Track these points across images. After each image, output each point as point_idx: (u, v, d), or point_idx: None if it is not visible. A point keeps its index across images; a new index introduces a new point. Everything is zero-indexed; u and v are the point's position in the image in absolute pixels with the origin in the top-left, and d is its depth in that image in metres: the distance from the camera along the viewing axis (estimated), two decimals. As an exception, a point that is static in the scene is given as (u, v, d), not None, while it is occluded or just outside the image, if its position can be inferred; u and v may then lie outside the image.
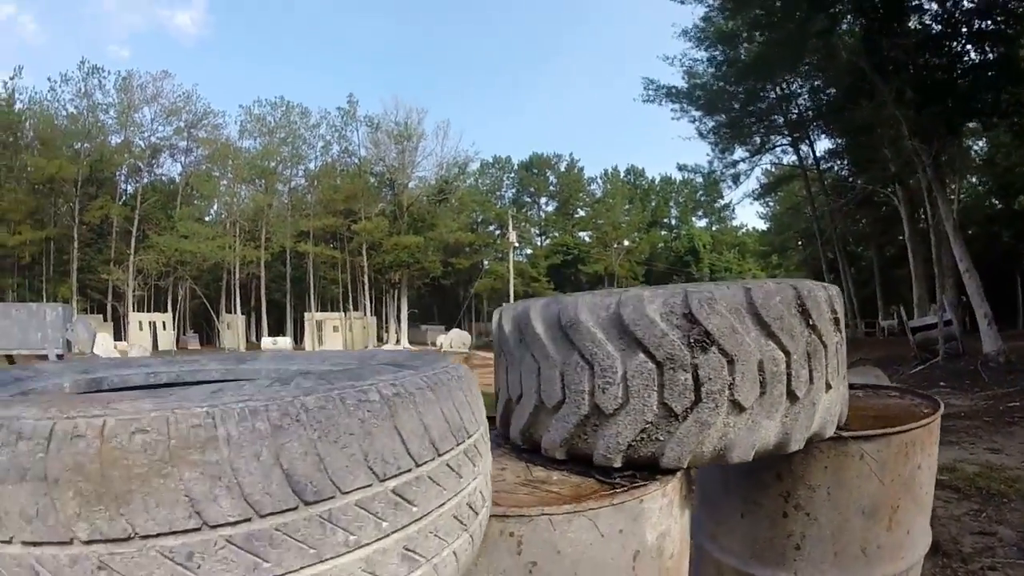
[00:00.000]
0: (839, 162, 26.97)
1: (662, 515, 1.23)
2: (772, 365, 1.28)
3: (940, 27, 14.39)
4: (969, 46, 14.46)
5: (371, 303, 40.21)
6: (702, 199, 50.55)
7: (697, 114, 24.95)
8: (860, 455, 1.67)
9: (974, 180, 30.73)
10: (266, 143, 39.04)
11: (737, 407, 1.25)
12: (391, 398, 0.72)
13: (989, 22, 13.70)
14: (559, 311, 1.35)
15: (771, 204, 40.89)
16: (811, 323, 1.37)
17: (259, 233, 36.91)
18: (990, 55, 14.08)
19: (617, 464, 1.29)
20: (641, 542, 1.19)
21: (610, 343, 1.26)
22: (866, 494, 1.68)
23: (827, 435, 1.51)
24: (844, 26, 16.84)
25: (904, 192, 21.52)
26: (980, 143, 26.47)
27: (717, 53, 22.13)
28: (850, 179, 27.11)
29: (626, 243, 50.21)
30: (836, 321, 1.50)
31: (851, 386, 2.46)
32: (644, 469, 1.29)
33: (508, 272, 32.84)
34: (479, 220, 49.51)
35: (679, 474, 1.28)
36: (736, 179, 28.62)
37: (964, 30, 14.12)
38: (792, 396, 1.32)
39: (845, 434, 1.64)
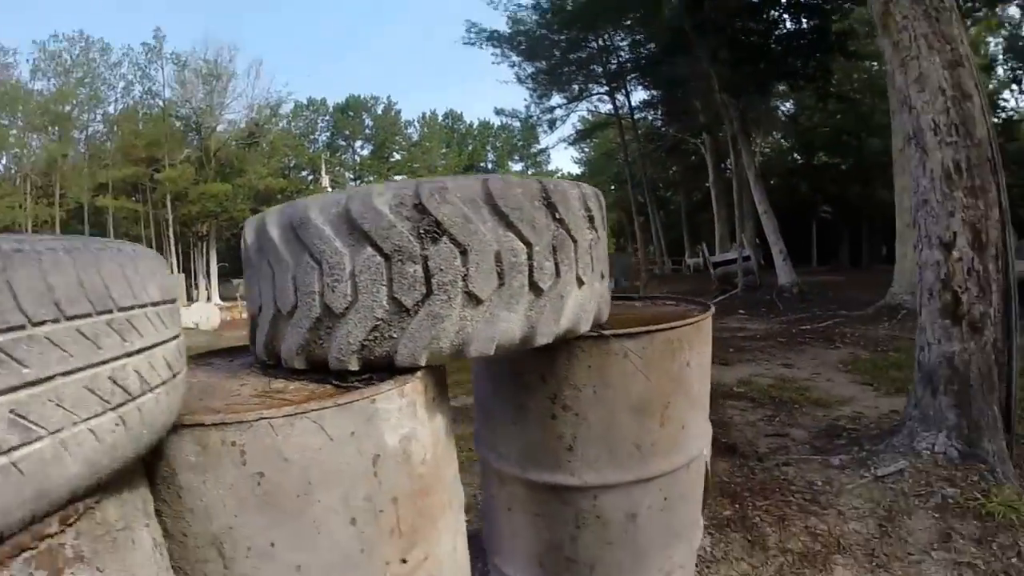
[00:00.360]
0: (653, 112, 28.20)
1: (403, 416, 1.17)
2: (511, 256, 1.25)
3: (762, -5, 15.65)
4: (786, 15, 15.90)
5: (178, 259, 36.76)
6: (519, 143, 50.93)
7: (517, 59, 25.00)
8: (623, 353, 1.71)
9: (779, 136, 34.41)
10: (62, 84, 33.72)
11: (473, 299, 1.21)
12: (8, 252, 0.65)
13: (808, -6, 15.10)
14: (291, 212, 1.24)
15: (586, 150, 42.00)
16: (558, 217, 1.36)
17: (53, 188, 32.21)
18: (804, 25, 15.55)
19: (353, 367, 1.22)
20: (379, 445, 1.13)
21: (338, 239, 1.17)
22: (633, 392, 1.71)
23: (581, 331, 1.52)
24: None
25: (712, 142, 23.36)
26: (788, 104, 29.55)
27: (543, 1, 22.36)
28: (662, 128, 28.62)
29: (442, 186, 50.69)
30: (591, 219, 1.51)
31: (630, 298, 2.60)
32: (383, 371, 1.23)
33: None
34: (291, 165, 46.59)
35: (420, 374, 1.23)
36: (552, 124, 29.21)
37: (783, 0, 15.49)
38: (536, 288, 1.30)
39: (606, 332, 1.68)
